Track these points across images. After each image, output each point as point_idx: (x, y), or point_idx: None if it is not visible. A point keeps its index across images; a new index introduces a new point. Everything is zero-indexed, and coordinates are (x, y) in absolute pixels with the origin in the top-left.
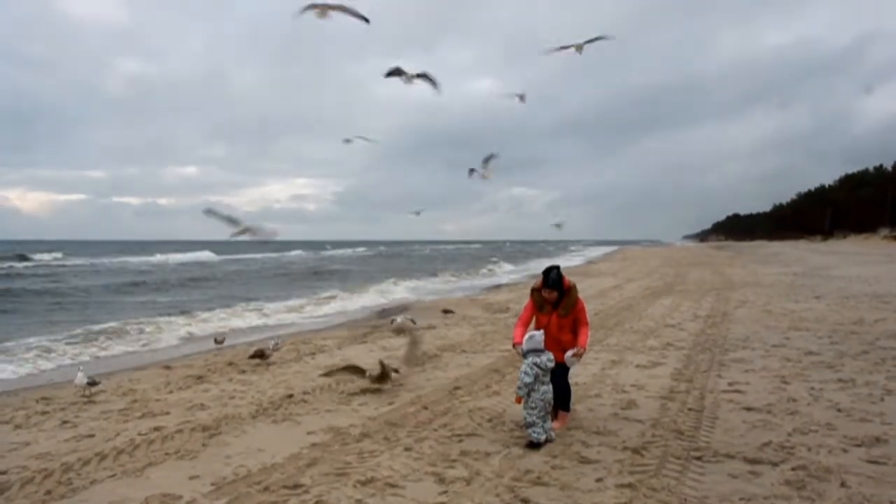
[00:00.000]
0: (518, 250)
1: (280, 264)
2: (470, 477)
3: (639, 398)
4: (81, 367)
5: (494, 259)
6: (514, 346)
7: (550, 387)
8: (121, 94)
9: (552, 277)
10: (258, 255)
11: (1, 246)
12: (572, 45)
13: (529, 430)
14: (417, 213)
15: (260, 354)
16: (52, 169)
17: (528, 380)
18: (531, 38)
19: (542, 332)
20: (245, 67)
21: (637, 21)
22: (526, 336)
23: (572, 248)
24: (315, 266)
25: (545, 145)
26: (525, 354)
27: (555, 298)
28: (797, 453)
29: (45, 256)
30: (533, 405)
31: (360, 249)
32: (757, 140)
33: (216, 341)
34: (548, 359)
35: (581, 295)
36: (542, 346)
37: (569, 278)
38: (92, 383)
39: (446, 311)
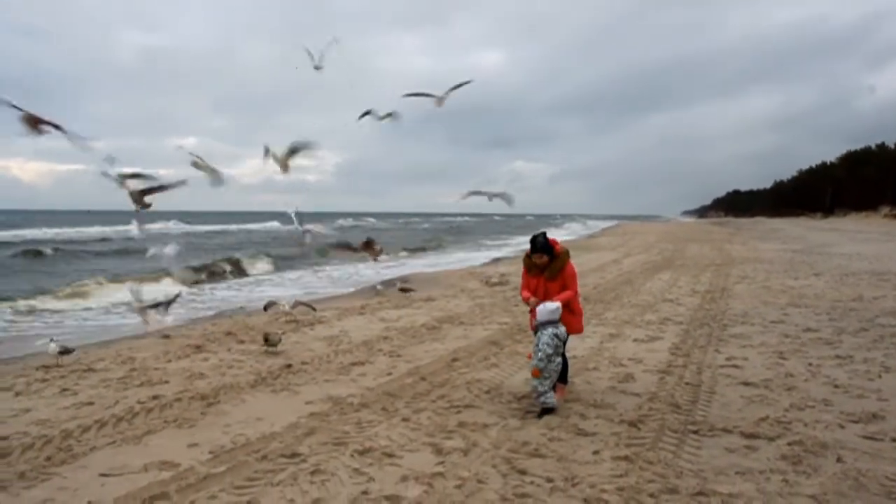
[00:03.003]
0: (526, 224)
1: (272, 235)
2: (467, 448)
3: (636, 372)
4: (53, 338)
5: (493, 233)
6: (524, 301)
7: (562, 358)
8: (125, 65)
9: (539, 242)
10: (253, 226)
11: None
12: (434, 96)
13: (543, 398)
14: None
15: (266, 340)
16: (54, 139)
17: (549, 351)
18: (537, 13)
19: (559, 304)
20: (251, 40)
21: None
22: (541, 306)
23: (559, 221)
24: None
25: (548, 121)
26: (542, 325)
27: (545, 263)
28: (794, 428)
29: None
30: (547, 375)
31: (350, 221)
32: (760, 118)
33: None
34: (564, 331)
35: (579, 269)
36: (558, 316)
37: (562, 245)
38: (64, 351)
39: (404, 290)
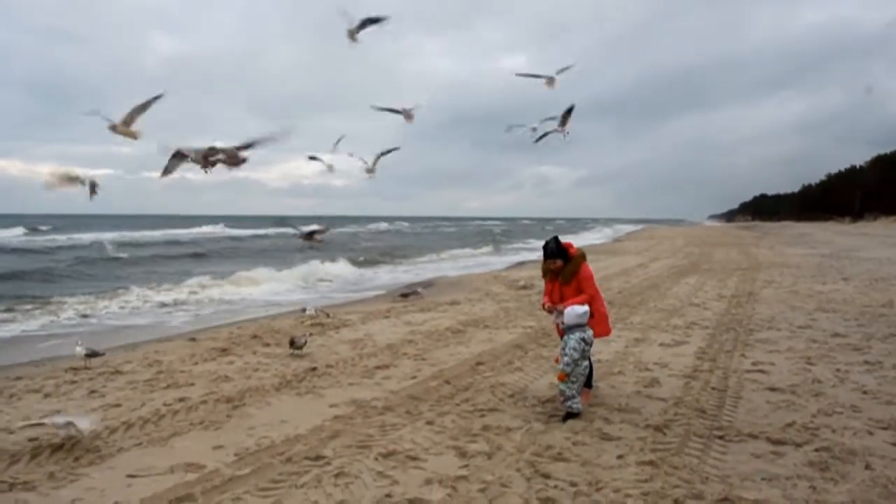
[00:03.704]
0: (557, 228)
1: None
2: (491, 451)
3: (662, 376)
4: (79, 341)
5: (516, 236)
6: (543, 307)
7: (589, 361)
8: (155, 69)
9: (550, 247)
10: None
11: (20, 220)
12: (543, 77)
13: (569, 402)
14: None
15: (291, 343)
16: (83, 144)
17: (576, 356)
18: (563, 17)
19: (587, 308)
20: (280, 45)
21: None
22: (568, 309)
23: (591, 226)
24: (336, 242)
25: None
26: (570, 329)
27: (560, 267)
28: (821, 435)
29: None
30: (574, 379)
31: (384, 225)
32: (787, 121)
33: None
34: (591, 335)
35: (605, 273)
36: (585, 320)
37: (577, 248)
38: (91, 354)
39: (405, 295)
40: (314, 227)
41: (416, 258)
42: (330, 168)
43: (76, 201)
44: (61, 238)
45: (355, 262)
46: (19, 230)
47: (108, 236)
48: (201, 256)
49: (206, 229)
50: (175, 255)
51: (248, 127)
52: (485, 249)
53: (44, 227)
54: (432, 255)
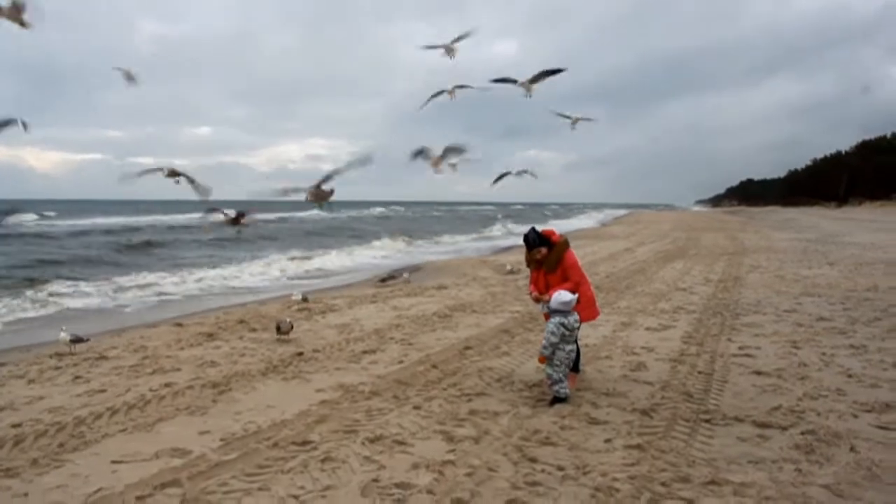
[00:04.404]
0: (531, 213)
1: (294, 223)
2: (478, 436)
3: (649, 360)
4: (63, 327)
5: (503, 220)
6: (530, 294)
7: (575, 346)
8: (144, 53)
9: (531, 237)
10: (301, 214)
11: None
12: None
13: (556, 387)
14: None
15: (277, 328)
16: (71, 128)
17: (554, 339)
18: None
19: (574, 296)
20: (273, 29)
21: None
22: (555, 295)
23: (583, 210)
24: (315, 227)
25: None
26: (552, 313)
27: (545, 256)
28: (807, 418)
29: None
30: (558, 363)
31: (379, 210)
32: (778, 107)
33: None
34: (574, 319)
35: (592, 258)
36: (570, 307)
37: (560, 235)
38: (76, 340)
39: (384, 280)
40: (238, 210)
41: (442, 237)
42: (450, 52)
43: (60, 188)
44: (84, 223)
45: (406, 242)
46: (31, 216)
47: (136, 221)
48: (241, 240)
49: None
50: (204, 241)
51: (236, 113)
52: (497, 230)
53: (50, 213)
54: (459, 235)
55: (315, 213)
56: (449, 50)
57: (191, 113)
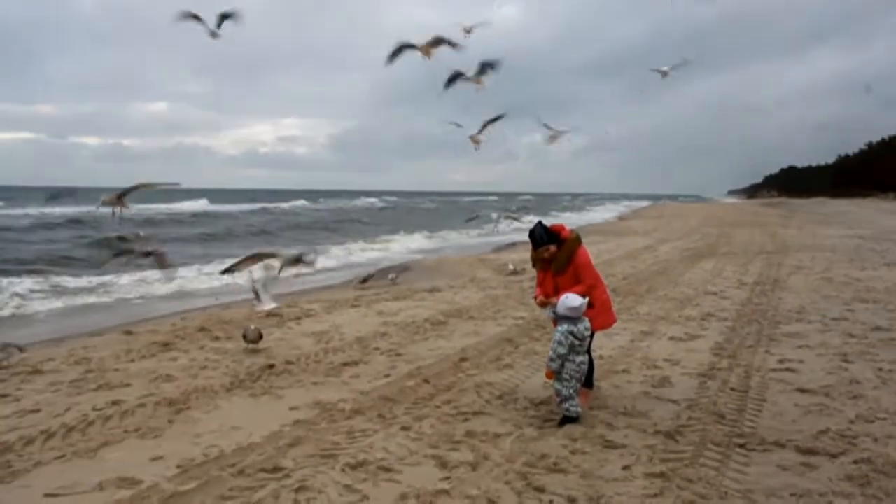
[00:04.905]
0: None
1: (275, 216)
2: (476, 461)
3: (673, 375)
4: None
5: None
6: (535, 300)
7: (587, 357)
8: (91, 17)
9: (537, 233)
10: (252, 206)
11: None
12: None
13: (566, 405)
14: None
15: (244, 337)
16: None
17: (562, 350)
18: None
19: (583, 300)
20: None
21: None
22: (562, 298)
23: (598, 201)
24: (304, 220)
25: (575, 86)
26: (559, 320)
27: (553, 254)
28: (860, 444)
29: None
30: (567, 377)
31: (371, 200)
32: (825, 82)
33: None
34: (585, 327)
35: (608, 257)
36: (580, 312)
37: (570, 230)
38: (4, 348)
39: (364, 280)
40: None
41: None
42: (427, 54)
43: None
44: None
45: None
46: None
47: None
48: (268, 233)
49: (188, 205)
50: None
51: (195, 88)
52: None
53: None
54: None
55: (299, 203)
56: (426, 52)
57: (143, 85)
